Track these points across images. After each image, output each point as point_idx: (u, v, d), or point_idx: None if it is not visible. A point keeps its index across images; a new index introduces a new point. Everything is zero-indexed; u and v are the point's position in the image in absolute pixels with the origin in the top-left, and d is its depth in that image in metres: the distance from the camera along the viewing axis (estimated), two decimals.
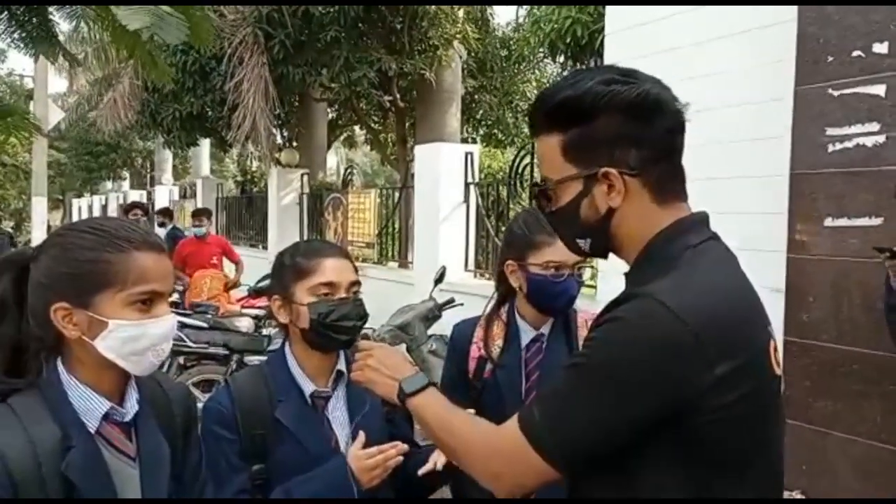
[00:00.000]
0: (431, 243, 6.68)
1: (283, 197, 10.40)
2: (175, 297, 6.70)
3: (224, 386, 1.64)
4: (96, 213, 21.25)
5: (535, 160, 5.68)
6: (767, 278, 3.26)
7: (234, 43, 8.59)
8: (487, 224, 6.59)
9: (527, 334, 1.83)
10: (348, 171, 10.77)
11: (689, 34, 4.06)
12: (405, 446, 1.51)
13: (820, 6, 3.46)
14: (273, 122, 9.55)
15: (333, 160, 21.11)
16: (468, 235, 6.67)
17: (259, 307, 6.00)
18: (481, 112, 12.01)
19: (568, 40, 6.25)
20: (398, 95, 10.04)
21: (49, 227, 14.42)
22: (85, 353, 1.13)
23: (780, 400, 1.09)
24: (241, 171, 20.05)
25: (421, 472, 1.51)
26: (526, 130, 12.21)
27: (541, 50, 7.99)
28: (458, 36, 9.30)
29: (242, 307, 6.33)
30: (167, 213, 10.63)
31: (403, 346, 4.44)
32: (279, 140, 11.42)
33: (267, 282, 2.43)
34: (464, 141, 10.34)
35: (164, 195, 16.70)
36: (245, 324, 5.71)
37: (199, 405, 1.46)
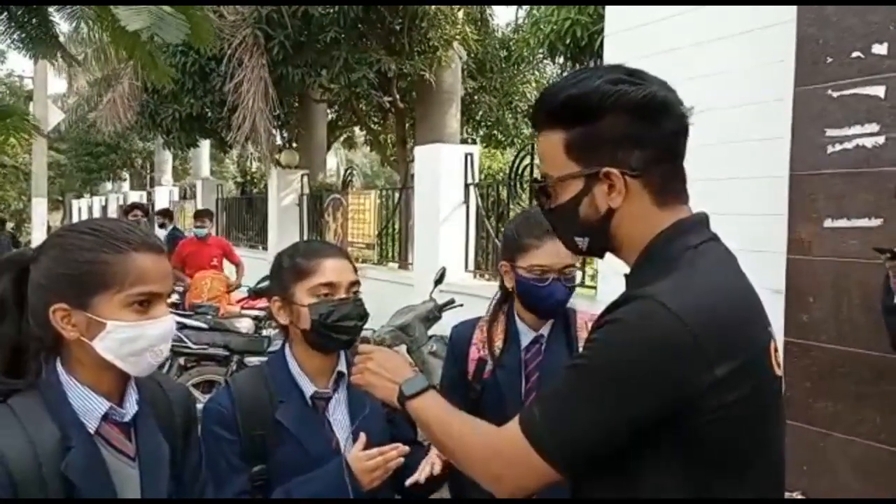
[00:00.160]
0: (431, 244, 6.68)
1: (283, 198, 10.40)
2: (175, 297, 6.70)
3: (224, 387, 1.64)
4: (96, 213, 21.25)
5: (536, 160, 5.69)
6: (767, 279, 3.26)
7: (233, 44, 8.59)
8: (487, 225, 6.59)
9: (526, 335, 1.83)
10: (348, 171, 10.78)
11: (689, 35, 4.06)
12: (406, 448, 1.51)
13: (819, 7, 3.46)
14: (273, 123, 9.55)
15: (333, 161, 21.11)
16: (468, 236, 6.67)
17: (259, 308, 6.00)
18: (481, 113, 12.01)
19: (567, 41, 6.25)
20: (398, 96, 10.04)
21: (49, 228, 14.42)
22: (84, 353, 1.14)
23: (780, 401, 1.09)
24: (241, 172, 20.07)
25: (408, 483, 1.51)
26: (526, 131, 12.25)
27: (540, 51, 7.98)
28: (457, 37, 9.30)
29: (242, 308, 6.33)
30: (167, 214, 10.62)
31: (404, 346, 4.44)
32: (279, 141, 11.42)
33: (267, 283, 2.42)
34: (464, 142, 10.34)
35: (163, 196, 16.70)
36: (245, 325, 5.72)
37: (200, 406, 1.46)
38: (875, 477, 3.28)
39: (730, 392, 0.97)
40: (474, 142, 12.16)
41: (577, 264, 1.78)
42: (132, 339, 1.12)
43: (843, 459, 3.40)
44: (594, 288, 5.00)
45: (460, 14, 9.42)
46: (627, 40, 4.47)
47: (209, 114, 10.10)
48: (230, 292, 7.01)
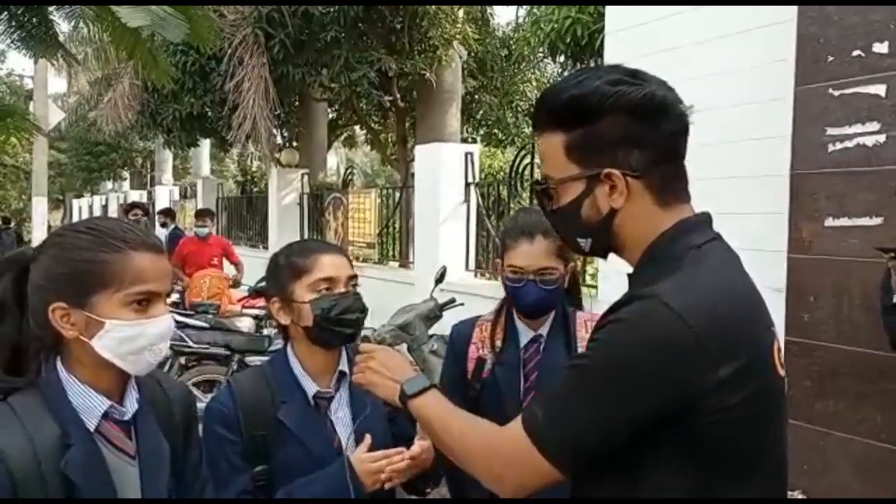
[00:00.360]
0: (432, 243, 6.68)
1: (284, 197, 10.40)
2: (175, 297, 6.70)
3: (226, 386, 1.64)
4: (97, 213, 21.26)
5: (536, 160, 5.69)
6: (768, 278, 3.25)
7: (234, 43, 8.59)
8: (488, 224, 6.59)
9: (525, 335, 1.83)
10: (348, 171, 10.78)
11: (689, 34, 4.06)
12: (410, 451, 1.51)
13: (820, 6, 3.45)
14: (273, 122, 9.54)
15: (333, 160, 21.10)
16: (468, 235, 6.67)
17: (260, 307, 6.00)
18: (481, 112, 12.01)
19: (568, 40, 6.25)
20: (398, 95, 10.04)
21: (50, 227, 14.43)
22: (83, 352, 1.14)
23: (783, 401, 1.08)
24: (242, 171, 20.08)
25: (388, 485, 1.51)
26: (526, 130, 12.24)
27: (541, 50, 7.98)
28: (458, 36, 9.30)
29: (243, 307, 6.33)
30: (169, 213, 10.61)
31: (404, 346, 4.44)
32: (279, 140, 11.42)
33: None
34: (464, 141, 10.33)
35: (164, 195, 16.71)
36: (246, 324, 5.72)
37: (201, 405, 1.46)
38: (875, 476, 3.28)
39: (732, 392, 0.96)
40: (475, 141, 12.15)
41: (562, 268, 1.74)
42: (131, 338, 1.12)
43: (843, 458, 3.40)
44: (595, 287, 5.00)
45: (461, 13, 9.42)
46: (628, 39, 4.47)
47: (209, 113, 10.09)
48: (234, 287, 7.01)
